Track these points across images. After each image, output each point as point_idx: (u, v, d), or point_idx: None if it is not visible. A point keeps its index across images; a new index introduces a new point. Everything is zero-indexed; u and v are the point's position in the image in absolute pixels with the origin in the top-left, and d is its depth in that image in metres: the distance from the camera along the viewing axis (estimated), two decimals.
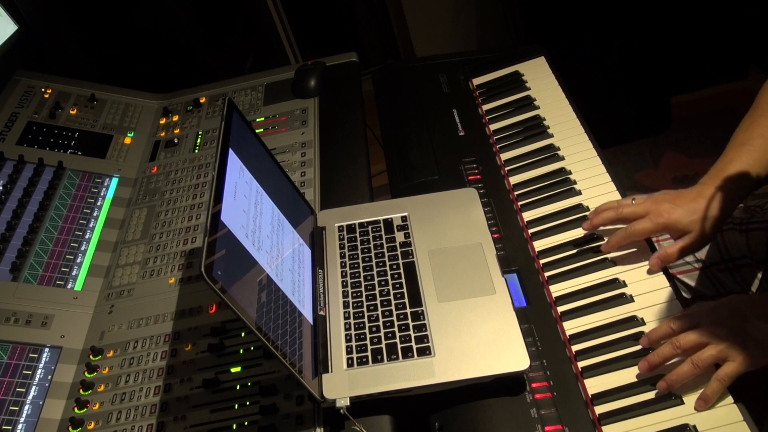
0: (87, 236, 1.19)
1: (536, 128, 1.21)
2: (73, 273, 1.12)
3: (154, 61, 1.77)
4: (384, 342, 0.90)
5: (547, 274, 0.98)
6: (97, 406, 0.95)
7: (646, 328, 0.87)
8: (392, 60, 2.68)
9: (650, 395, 0.81)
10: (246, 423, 0.88)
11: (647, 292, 0.92)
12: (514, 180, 1.14)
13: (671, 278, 0.93)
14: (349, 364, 0.88)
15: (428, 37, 2.53)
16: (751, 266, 1.06)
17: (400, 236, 1.04)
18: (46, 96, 1.42)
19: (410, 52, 2.57)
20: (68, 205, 1.22)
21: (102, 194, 1.27)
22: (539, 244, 1.02)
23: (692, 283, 1.12)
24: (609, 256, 0.97)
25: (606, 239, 0.97)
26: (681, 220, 0.91)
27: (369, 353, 0.89)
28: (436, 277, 0.97)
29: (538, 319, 0.92)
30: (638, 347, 0.85)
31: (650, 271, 0.93)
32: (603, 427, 0.79)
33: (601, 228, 0.99)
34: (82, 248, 1.16)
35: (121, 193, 1.29)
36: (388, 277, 0.98)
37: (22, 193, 1.20)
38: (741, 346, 0.77)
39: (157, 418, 0.92)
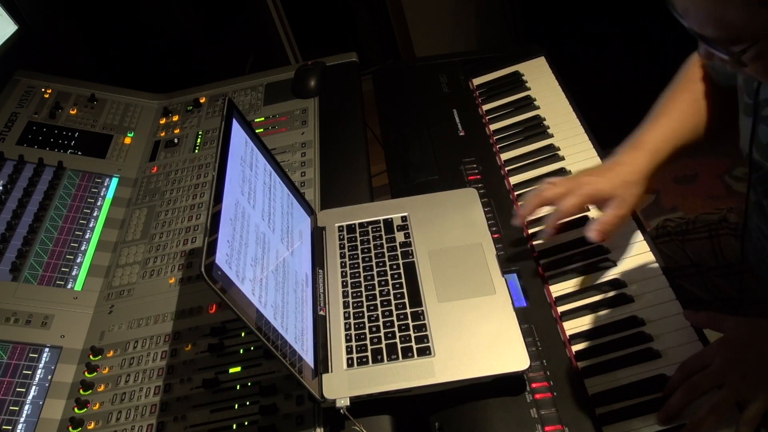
0: (87, 236, 1.19)
1: (536, 128, 1.21)
2: (73, 273, 1.12)
3: (154, 61, 1.78)
4: (384, 342, 0.90)
5: (547, 274, 0.98)
6: (97, 406, 0.95)
7: (646, 329, 0.87)
8: (392, 60, 2.68)
9: (650, 396, 0.80)
10: (246, 423, 0.88)
11: (647, 293, 0.92)
12: (514, 180, 1.14)
13: (671, 279, 0.93)
14: (349, 364, 0.88)
15: (428, 37, 2.52)
16: (747, 272, 1.06)
17: (400, 236, 1.04)
18: (46, 96, 1.42)
19: (410, 52, 2.57)
20: (68, 205, 1.21)
21: (102, 194, 1.27)
22: (539, 244, 1.02)
23: (690, 288, 1.12)
24: (607, 248, 0.97)
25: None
26: (604, 188, 0.91)
27: (369, 353, 0.89)
28: (436, 277, 0.97)
29: (538, 319, 0.92)
30: (639, 347, 0.85)
31: (590, 239, 0.92)
32: (603, 428, 0.79)
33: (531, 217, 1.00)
34: (82, 248, 1.16)
35: (121, 193, 1.29)
36: (388, 277, 0.98)
37: (22, 193, 1.20)
38: (761, 382, 0.73)
39: (157, 418, 0.92)
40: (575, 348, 0.88)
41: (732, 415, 0.74)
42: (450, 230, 1.03)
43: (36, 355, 0.99)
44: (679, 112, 0.96)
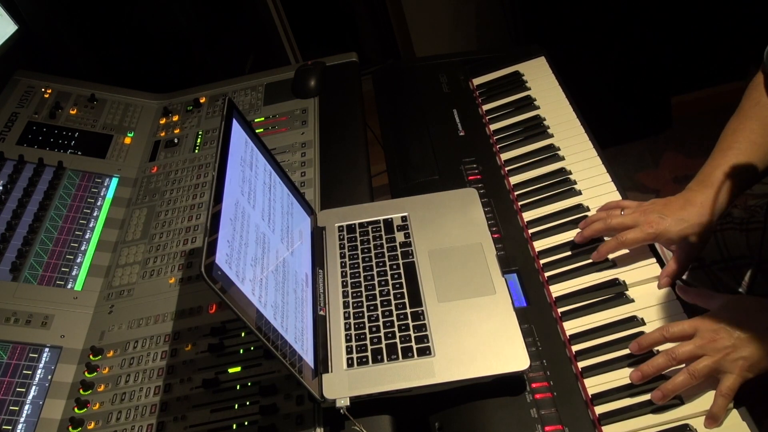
0: (87, 236, 1.19)
1: (536, 128, 1.21)
2: (73, 273, 1.12)
3: (154, 61, 1.78)
4: (384, 342, 0.90)
5: (547, 274, 0.98)
6: (97, 406, 0.95)
7: (646, 329, 0.87)
8: (392, 60, 2.68)
9: (650, 395, 0.80)
10: (246, 423, 0.89)
11: (647, 293, 0.92)
12: (514, 180, 1.14)
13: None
14: (349, 364, 0.88)
15: (428, 37, 2.52)
16: (750, 266, 1.06)
17: (400, 236, 1.04)
18: (46, 96, 1.42)
19: (410, 52, 2.57)
20: (68, 205, 1.22)
21: (102, 194, 1.27)
22: (539, 244, 1.02)
23: (693, 282, 1.12)
24: (610, 256, 0.97)
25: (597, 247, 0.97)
26: (671, 230, 0.91)
27: (369, 353, 0.89)
28: (436, 277, 0.97)
29: (538, 319, 0.92)
30: None
31: (660, 287, 0.92)
32: (603, 427, 0.79)
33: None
34: (82, 248, 1.16)
35: (121, 193, 1.29)
36: (388, 277, 0.98)
37: (22, 193, 1.20)
38: (739, 357, 0.77)
39: (157, 418, 0.92)
40: (575, 348, 0.88)
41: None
42: (450, 230, 1.03)
43: (36, 355, 0.99)
44: (748, 142, 0.94)
